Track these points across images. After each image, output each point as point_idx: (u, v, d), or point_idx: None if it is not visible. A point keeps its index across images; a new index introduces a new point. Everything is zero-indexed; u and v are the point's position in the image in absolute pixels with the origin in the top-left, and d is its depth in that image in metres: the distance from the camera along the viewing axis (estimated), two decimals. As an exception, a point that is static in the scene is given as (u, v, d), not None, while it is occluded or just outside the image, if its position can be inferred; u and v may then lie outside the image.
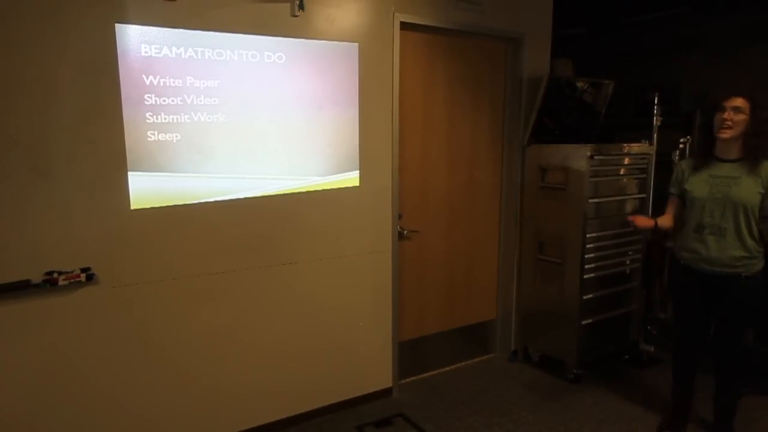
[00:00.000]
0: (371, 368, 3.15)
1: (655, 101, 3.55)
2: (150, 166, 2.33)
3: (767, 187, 2.45)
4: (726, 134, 2.48)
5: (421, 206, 3.30)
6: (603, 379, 3.44)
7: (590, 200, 3.25)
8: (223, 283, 2.58)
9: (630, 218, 2.82)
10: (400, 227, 3.15)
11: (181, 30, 2.32)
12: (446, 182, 3.39)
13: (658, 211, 2.91)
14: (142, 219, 2.34)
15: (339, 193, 2.85)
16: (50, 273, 2.16)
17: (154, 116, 2.31)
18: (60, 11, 2.07)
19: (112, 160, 2.25)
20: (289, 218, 2.72)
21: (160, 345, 2.46)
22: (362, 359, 3.10)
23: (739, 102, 2.47)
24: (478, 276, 3.67)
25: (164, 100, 2.32)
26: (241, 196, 2.57)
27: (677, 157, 3.49)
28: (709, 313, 2.70)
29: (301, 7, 2.56)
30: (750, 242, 2.50)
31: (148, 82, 2.27)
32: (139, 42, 2.24)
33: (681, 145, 3.53)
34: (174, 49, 2.31)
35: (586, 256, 3.27)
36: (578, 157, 3.22)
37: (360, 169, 2.90)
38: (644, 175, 3.55)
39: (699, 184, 2.60)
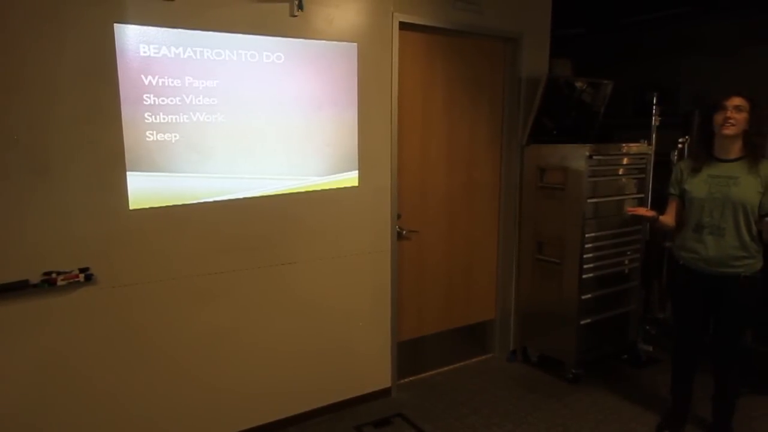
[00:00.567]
0: (370, 368, 3.15)
1: (654, 101, 3.56)
2: (149, 166, 2.32)
3: (766, 186, 2.45)
4: (730, 130, 2.48)
5: (420, 206, 3.30)
6: (602, 379, 3.45)
7: (589, 200, 3.26)
8: (222, 283, 2.58)
9: (629, 209, 2.83)
10: (399, 227, 3.15)
11: (180, 30, 2.32)
12: (445, 182, 3.39)
13: (656, 211, 2.91)
14: (140, 219, 2.34)
15: (338, 193, 2.85)
16: (49, 273, 2.16)
17: (153, 116, 2.31)
18: (59, 11, 2.07)
19: (111, 160, 2.24)
20: (289, 218, 2.72)
21: (159, 345, 2.46)
22: (361, 359, 3.10)
23: (739, 101, 2.47)
24: (477, 276, 3.67)
25: (163, 100, 2.32)
26: (240, 196, 2.57)
27: (676, 157, 3.49)
28: (708, 313, 2.70)
29: (300, 7, 2.56)
30: (749, 242, 2.50)
31: (146, 82, 2.27)
32: (137, 42, 2.24)
33: (679, 145, 3.54)
34: (173, 49, 2.31)
35: (584, 255, 3.27)
36: (577, 157, 3.22)
37: (359, 169, 2.90)
38: (643, 175, 3.56)
39: (698, 185, 2.60)
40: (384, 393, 3.21)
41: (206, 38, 2.38)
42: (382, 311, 3.13)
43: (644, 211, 2.83)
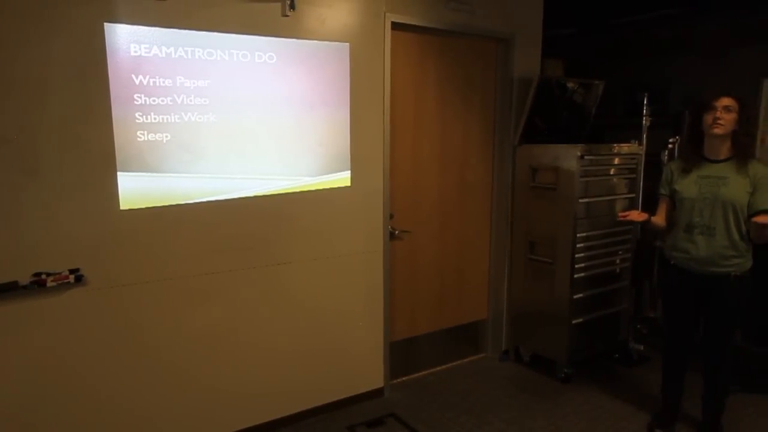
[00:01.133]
0: (363, 368, 3.15)
1: (644, 101, 3.58)
2: (140, 166, 2.31)
3: (755, 185, 2.47)
4: (719, 130, 2.50)
5: (412, 206, 3.31)
6: (593, 378, 3.47)
7: (580, 200, 3.27)
8: (215, 284, 2.57)
9: (621, 215, 2.82)
10: (391, 227, 3.15)
11: (171, 29, 2.30)
12: (437, 182, 3.40)
13: (647, 211, 2.93)
14: (132, 219, 2.32)
15: (331, 194, 2.85)
16: (38, 274, 2.14)
17: (144, 116, 2.29)
18: (48, 10, 2.05)
19: (102, 161, 2.23)
20: (282, 218, 2.72)
21: (151, 347, 2.45)
22: (354, 359, 3.10)
23: (728, 101, 2.50)
24: (470, 276, 3.68)
25: (154, 100, 2.30)
26: (233, 197, 2.56)
27: (666, 157, 3.52)
28: (698, 312, 2.72)
29: (292, 6, 2.56)
30: (739, 241, 2.52)
31: (137, 82, 2.26)
32: (128, 41, 2.22)
33: (670, 145, 3.56)
34: (164, 48, 2.30)
35: (576, 255, 3.29)
36: (568, 157, 3.24)
37: (351, 170, 2.90)
38: (634, 175, 3.58)
39: (688, 185, 2.62)
40: (377, 393, 3.21)
41: (197, 38, 2.37)
42: (375, 311, 3.13)
43: (636, 216, 2.81)
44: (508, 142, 3.57)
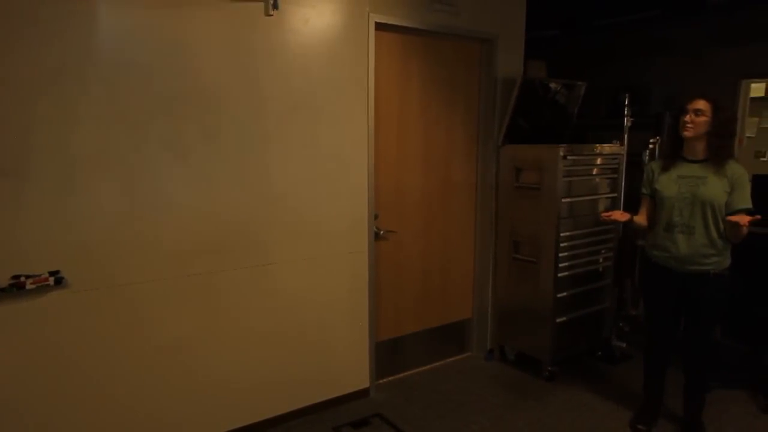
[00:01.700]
0: (348, 369, 3.14)
1: (626, 102, 3.62)
2: (122, 167, 2.28)
3: (732, 185, 2.52)
4: (689, 133, 2.56)
5: (397, 206, 3.31)
6: (577, 376, 3.50)
7: (564, 200, 3.30)
8: (198, 286, 2.55)
9: (605, 215, 2.83)
10: (376, 227, 3.15)
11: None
12: (422, 182, 3.41)
13: (629, 210, 2.96)
14: (112, 221, 2.29)
15: (315, 194, 2.84)
16: (17, 277, 2.11)
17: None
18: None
19: (83, 163, 2.20)
20: (266, 219, 2.70)
21: (132, 349, 2.42)
22: (340, 360, 3.09)
23: (700, 105, 2.54)
24: (454, 276, 3.69)
25: (135, 100, 2.28)
26: (216, 197, 2.54)
27: (647, 157, 3.57)
28: (679, 309, 2.76)
29: (276, 6, 2.55)
30: (717, 240, 2.56)
31: (118, 82, 2.23)
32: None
33: (651, 146, 3.61)
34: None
35: (560, 254, 3.32)
36: (552, 157, 3.26)
37: (336, 170, 2.89)
38: (615, 175, 3.62)
39: (668, 184, 2.66)
40: (362, 393, 3.20)
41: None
42: (360, 311, 3.13)
43: (619, 215, 2.82)
44: (491, 142, 3.59)
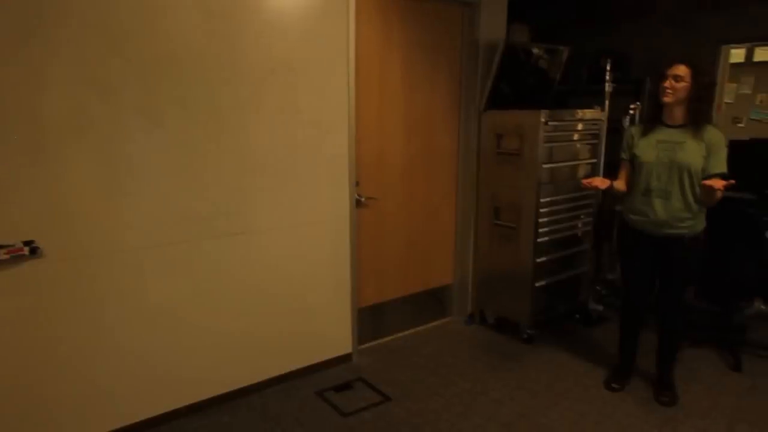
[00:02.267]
0: (331, 335, 3.18)
1: (607, 68, 3.61)
2: (98, 132, 2.23)
3: (709, 150, 2.55)
4: (668, 98, 2.57)
5: (378, 173, 3.30)
6: (555, 338, 3.59)
7: (544, 165, 3.32)
8: (176, 255, 2.52)
9: (585, 181, 2.80)
10: (357, 194, 3.14)
11: None
12: (403, 148, 3.39)
13: (609, 176, 2.99)
14: (87, 190, 2.24)
15: (295, 160, 2.81)
16: (-10, 246, 2.07)
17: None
18: None
19: (54, 129, 2.13)
20: (246, 186, 2.67)
21: (110, 318, 2.40)
22: (322, 326, 3.12)
23: (680, 70, 2.54)
24: (436, 241, 3.72)
25: (107, 64, 2.20)
26: (194, 164, 2.50)
27: (627, 123, 3.58)
28: (654, 272, 2.82)
29: (251, -35, 2.46)
30: (693, 204, 2.61)
31: (88, 44, 2.15)
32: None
33: (631, 111, 3.62)
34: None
35: (539, 220, 3.35)
36: (533, 123, 3.26)
37: (316, 136, 2.86)
38: (596, 141, 3.64)
39: (647, 149, 2.68)
40: (345, 358, 3.25)
41: None
42: (342, 278, 3.14)
43: (599, 182, 2.79)
44: (474, 108, 3.57)
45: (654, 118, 2.71)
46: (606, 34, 4.97)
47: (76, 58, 2.14)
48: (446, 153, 3.63)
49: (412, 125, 3.39)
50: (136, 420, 2.55)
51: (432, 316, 3.85)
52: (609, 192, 2.83)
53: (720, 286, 3.36)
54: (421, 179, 3.53)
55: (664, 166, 2.62)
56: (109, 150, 2.27)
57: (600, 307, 3.88)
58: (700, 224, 2.67)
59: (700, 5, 4.36)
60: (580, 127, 3.53)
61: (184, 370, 2.66)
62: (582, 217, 3.67)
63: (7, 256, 2.09)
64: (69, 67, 2.14)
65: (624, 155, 2.85)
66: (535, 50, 3.65)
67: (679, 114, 2.62)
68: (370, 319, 3.46)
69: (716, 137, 2.56)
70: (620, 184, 2.85)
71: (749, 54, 5.78)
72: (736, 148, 3.68)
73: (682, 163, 2.56)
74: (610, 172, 3.06)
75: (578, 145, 3.57)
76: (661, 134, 2.66)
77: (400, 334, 3.65)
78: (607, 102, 3.63)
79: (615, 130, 3.60)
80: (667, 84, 2.55)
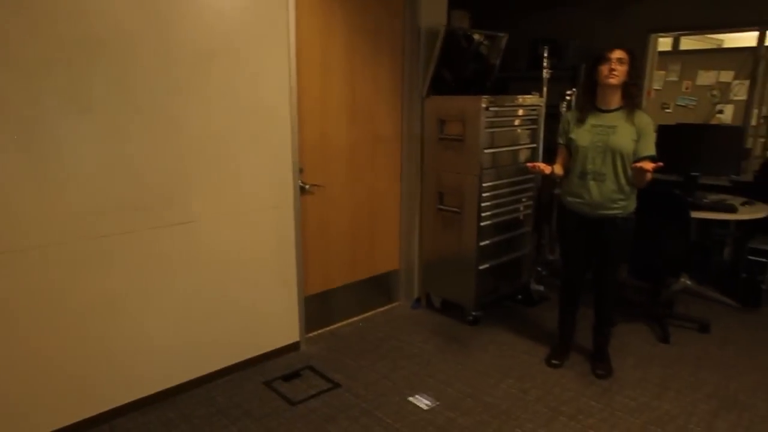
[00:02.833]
0: (278, 324, 3.14)
1: (545, 55, 3.71)
2: (16, 122, 2.09)
3: (639, 134, 2.67)
4: (615, 80, 2.64)
5: (322, 159, 3.26)
6: (499, 319, 3.69)
7: (486, 150, 3.38)
8: (109, 248, 2.41)
9: (530, 165, 2.87)
10: (301, 181, 3.10)
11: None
12: (347, 135, 3.37)
13: (547, 160, 3.08)
14: (8, 180, 2.11)
15: (235, 147, 2.74)
16: None
17: (17, 63, 2.05)
18: None
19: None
20: (184, 174, 2.58)
21: (43, 315, 2.28)
22: (268, 316, 3.08)
23: (622, 54, 2.64)
24: (381, 228, 3.73)
25: (27, 46, 2.06)
26: (128, 152, 2.39)
27: (564, 109, 3.70)
28: (590, 252, 2.94)
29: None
30: (626, 185, 2.73)
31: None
32: None
33: (567, 97, 3.74)
34: None
35: (482, 204, 3.42)
36: (474, 108, 3.31)
37: (257, 122, 2.79)
38: (535, 126, 3.74)
39: (582, 134, 2.78)
40: (293, 347, 3.23)
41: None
42: (288, 266, 3.11)
43: (544, 166, 2.86)
44: (416, 94, 3.59)
45: (588, 102, 2.81)
46: (543, 22, 5.10)
47: (-8, 39, 2.00)
48: (390, 139, 3.63)
49: (356, 111, 3.38)
50: (72, 421, 2.43)
51: (379, 302, 3.88)
52: (549, 176, 2.92)
53: (650, 264, 3.55)
54: (366, 166, 3.52)
55: (598, 150, 2.72)
56: (32, 138, 2.14)
57: (541, 288, 4.02)
58: (631, 205, 2.80)
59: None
60: (520, 112, 3.61)
61: (122, 367, 2.56)
62: (523, 200, 3.77)
63: None
64: (-16, 49, 1.99)
65: (561, 140, 2.94)
66: (476, 36, 3.70)
67: (613, 98, 2.72)
68: (318, 307, 3.45)
69: (645, 121, 2.68)
70: (558, 169, 2.95)
71: (676, 43, 6.06)
72: (664, 133, 3.88)
73: (615, 146, 2.68)
74: (549, 157, 3.16)
75: (519, 131, 3.65)
76: (595, 119, 2.76)
77: (348, 321, 3.66)
78: (545, 88, 3.73)
79: (553, 116, 3.71)
80: (613, 66, 2.63)
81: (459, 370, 3.04)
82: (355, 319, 3.70)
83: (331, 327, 3.56)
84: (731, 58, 5.07)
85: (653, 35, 4.65)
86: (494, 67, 3.91)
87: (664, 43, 5.57)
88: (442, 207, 3.62)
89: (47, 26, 2.10)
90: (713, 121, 4.91)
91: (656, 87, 5.66)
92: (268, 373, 2.99)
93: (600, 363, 3.02)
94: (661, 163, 2.53)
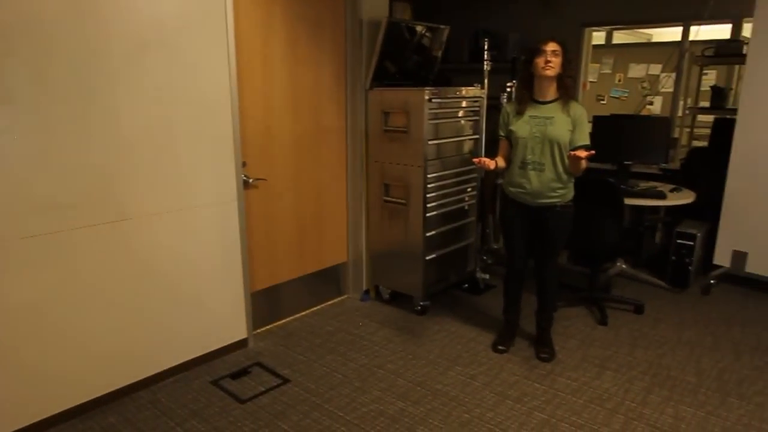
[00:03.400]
0: (224, 321, 3.07)
1: (485, 47, 3.78)
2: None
3: (574, 124, 2.77)
4: (550, 72, 2.72)
5: (266, 153, 3.21)
6: (446, 308, 3.76)
7: (430, 142, 3.42)
8: (38, 249, 2.27)
9: (476, 160, 2.90)
10: (245, 175, 3.04)
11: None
12: (291, 127, 3.32)
13: (490, 151, 3.15)
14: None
15: (174, 141, 2.65)
16: None
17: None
18: None
19: None
20: (118, 171, 2.47)
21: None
22: (214, 313, 3.01)
23: (555, 46, 2.72)
24: (328, 221, 3.71)
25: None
26: (55, 147, 2.26)
27: (505, 100, 3.78)
28: (532, 240, 3.03)
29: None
30: (563, 174, 2.83)
31: None
32: None
33: (508, 89, 3.82)
34: None
35: (428, 195, 3.46)
36: (417, 100, 3.33)
37: (196, 115, 2.71)
38: (477, 117, 3.81)
39: (521, 125, 2.85)
40: (241, 344, 3.17)
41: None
42: (233, 262, 3.04)
43: (488, 161, 2.87)
44: (360, 85, 3.58)
45: (526, 94, 2.88)
46: (483, 15, 5.19)
47: None
48: (334, 131, 3.61)
49: (299, 103, 3.33)
50: (3, 433, 2.31)
51: (328, 295, 3.86)
52: (494, 170, 2.97)
53: (588, 250, 3.70)
54: (311, 158, 3.49)
55: (537, 140, 2.80)
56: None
57: (486, 276, 4.12)
58: (570, 193, 2.90)
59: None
60: (463, 104, 3.67)
61: (55, 375, 2.43)
62: (468, 191, 3.84)
63: None
64: None
65: (501, 132, 3.01)
66: (419, 28, 3.72)
67: (549, 90, 2.80)
68: (266, 302, 3.40)
69: (580, 112, 2.78)
70: (501, 161, 3.01)
71: (609, 37, 6.33)
72: (599, 123, 4.04)
73: (553, 137, 2.76)
74: (492, 148, 3.22)
75: (462, 122, 3.71)
76: (533, 110, 2.84)
77: (298, 315, 3.63)
78: (486, 80, 3.80)
79: (495, 107, 3.79)
80: (548, 58, 2.70)
81: (409, 360, 3.08)
82: (305, 313, 3.67)
83: (280, 322, 3.52)
84: (659, 51, 5.34)
85: (587, 29, 4.83)
86: (437, 59, 3.95)
87: (598, 37, 5.79)
88: (388, 199, 3.64)
89: (-39, 13, 1.96)
90: (644, 112, 5.16)
91: (591, 79, 5.89)
92: (215, 372, 2.93)
93: (543, 347, 3.13)
94: (593, 152, 2.63)
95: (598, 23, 4.84)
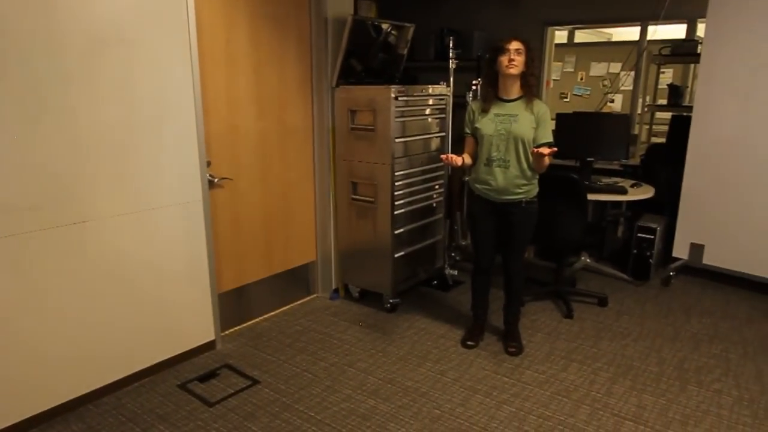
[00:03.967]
0: (191, 324, 3.02)
1: (450, 45, 3.81)
2: None
3: (538, 122, 2.82)
4: (514, 70, 2.75)
5: (231, 152, 3.16)
6: (415, 305, 3.78)
7: (397, 140, 3.43)
8: (-3, 251, 2.21)
9: (443, 157, 2.89)
10: (210, 175, 2.99)
11: None
12: (256, 126, 3.29)
13: (456, 148, 3.17)
14: None
15: (135, 141, 2.58)
16: None
17: None
18: None
19: None
20: (76, 171, 2.40)
21: None
22: (180, 316, 2.95)
23: (518, 44, 2.76)
24: (296, 220, 3.69)
25: None
26: (8, 148, 2.18)
27: (470, 98, 3.82)
28: (498, 236, 3.07)
29: None
30: (528, 171, 2.87)
31: None
32: None
33: (473, 87, 3.86)
34: None
35: (395, 193, 3.47)
36: (384, 98, 3.34)
37: (157, 114, 2.65)
38: (444, 115, 3.83)
39: (486, 123, 2.89)
40: (208, 346, 3.12)
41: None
42: (199, 263, 2.99)
43: (456, 158, 2.87)
44: (326, 84, 3.56)
45: (490, 92, 2.92)
46: (449, 13, 5.23)
47: None
48: (301, 130, 3.59)
49: (264, 101, 3.30)
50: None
51: (297, 295, 3.84)
52: (461, 167, 3.00)
53: (553, 244, 3.77)
54: (277, 158, 3.46)
55: (502, 138, 2.84)
56: None
57: (455, 272, 4.16)
58: (534, 190, 2.95)
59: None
60: (429, 102, 3.69)
61: (12, 383, 2.35)
62: (435, 188, 3.87)
63: None
64: None
65: (467, 130, 3.03)
66: (384, 26, 3.72)
67: (513, 88, 2.84)
68: (234, 304, 3.36)
69: (543, 109, 2.83)
70: (468, 158, 3.04)
71: (571, 36, 6.46)
72: (562, 121, 4.12)
73: (517, 134, 2.81)
74: (458, 145, 3.25)
75: (429, 120, 3.73)
76: (498, 108, 2.87)
77: (266, 316, 3.59)
78: (451, 78, 3.83)
79: (461, 105, 3.83)
80: (512, 56, 2.74)
81: (379, 357, 3.08)
82: (274, 313, 3.64)
83: (249, 323, 3.48)
84: (619, 50, 5.47)
85: (550, 28, 4.92)
86: (402, 57, 3.96)
87: (561, 36, 5.91)
88: (356, 197, 3.63)
89: None
90: (605, 110, 5.28)
91: (554, 77, 6.00)
92: (182, 375, 2.87)
93: (512, 341, 3.18)
94: (555, 149, 2.68)
95: (561, 22, 4.94)
